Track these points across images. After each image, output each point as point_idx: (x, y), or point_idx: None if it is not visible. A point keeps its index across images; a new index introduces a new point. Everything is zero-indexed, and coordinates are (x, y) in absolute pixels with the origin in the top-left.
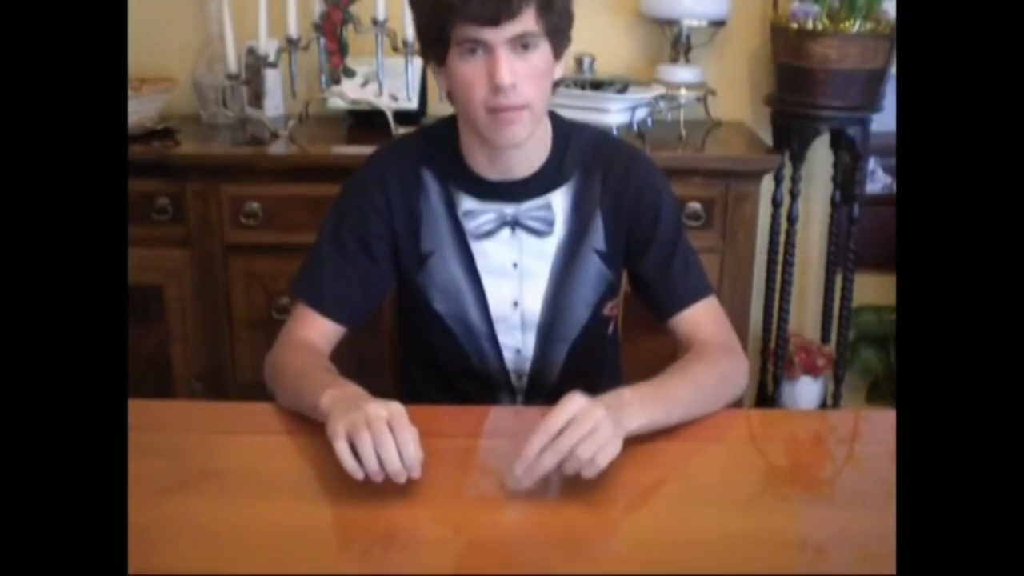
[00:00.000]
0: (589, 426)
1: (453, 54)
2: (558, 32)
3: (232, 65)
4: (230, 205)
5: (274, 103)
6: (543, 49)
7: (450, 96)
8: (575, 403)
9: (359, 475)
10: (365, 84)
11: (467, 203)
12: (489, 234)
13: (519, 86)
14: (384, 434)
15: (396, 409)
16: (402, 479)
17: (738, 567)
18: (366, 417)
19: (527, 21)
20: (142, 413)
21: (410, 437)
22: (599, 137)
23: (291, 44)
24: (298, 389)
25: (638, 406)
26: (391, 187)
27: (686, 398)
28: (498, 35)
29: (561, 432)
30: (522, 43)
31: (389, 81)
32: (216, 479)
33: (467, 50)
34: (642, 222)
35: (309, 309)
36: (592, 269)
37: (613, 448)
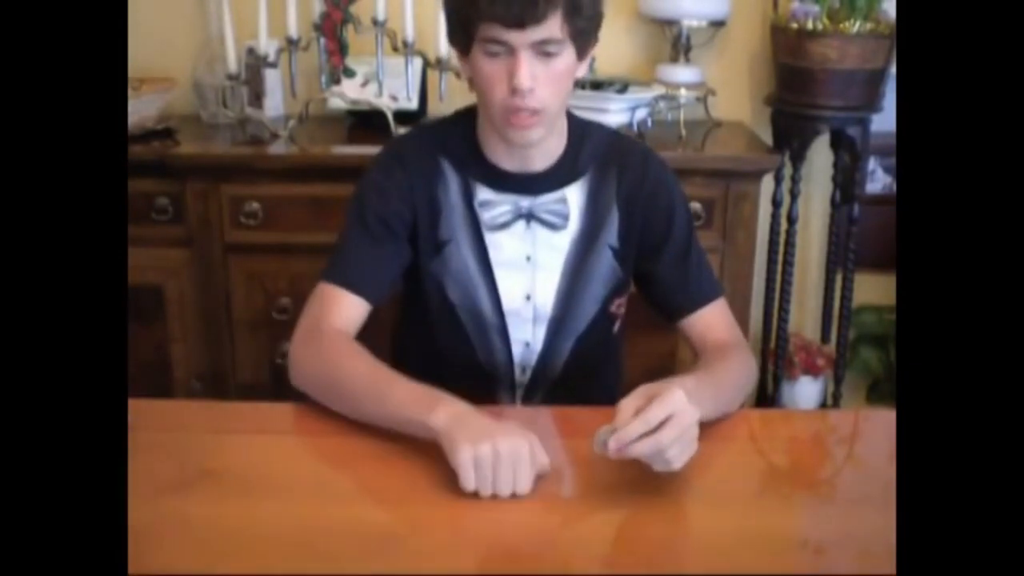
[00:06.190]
0: (685, 425)
1: (477, 49)
2: (584, 35)
3: (232, 65)
4: (230, 205)
5: (274, 103)
6: (566, 54)
7: (471, 83)
8: (677, 398)
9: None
10: (365, 84)
11: (484, 193)
12: (504, 226)
13: (537, 90)
14: (507, 474)
15: (521, 449)
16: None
17: (738, 567)
18: (495, 454)
19: (552, 27)
20: (142, 413)
21: (526, 477)
22: (613, 135)
23: (291, 44)
24: (371, 396)
25: (695, 404)
26: (413, 171)
27: (723, 397)
28: (522, 38)
29: (660, 426)
30: (546, 49)
31: (389, 81)
32: (216, 479)
33: (490, 48)
34: (656, 222)
35: (335, 288)
36: (604, 265)
37: (692, 451)
